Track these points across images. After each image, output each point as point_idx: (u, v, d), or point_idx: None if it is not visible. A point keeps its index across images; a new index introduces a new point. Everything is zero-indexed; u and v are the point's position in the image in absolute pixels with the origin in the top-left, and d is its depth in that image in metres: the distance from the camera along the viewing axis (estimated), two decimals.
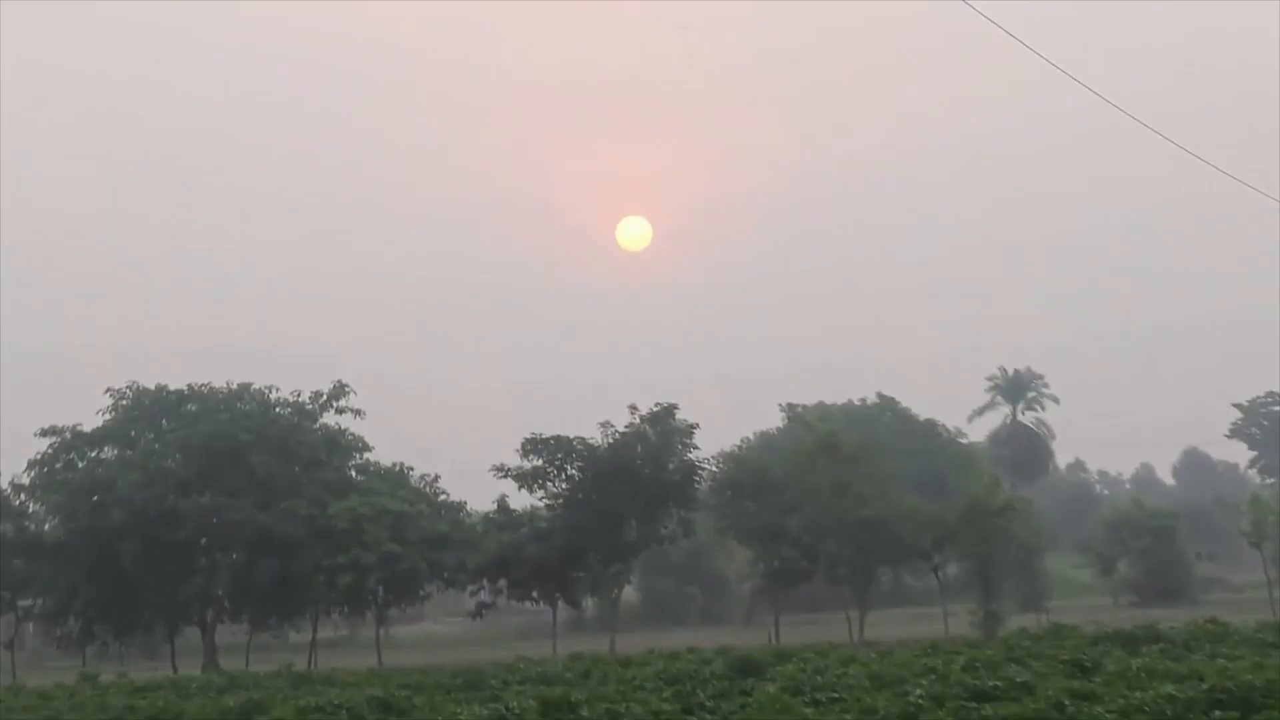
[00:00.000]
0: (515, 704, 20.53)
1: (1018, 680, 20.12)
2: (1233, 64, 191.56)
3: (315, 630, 55.63)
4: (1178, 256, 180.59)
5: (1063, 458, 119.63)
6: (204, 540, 55.06)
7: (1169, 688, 17.10)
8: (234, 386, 58.37)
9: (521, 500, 55.74)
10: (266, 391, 58.43)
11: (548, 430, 54.30)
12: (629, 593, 65.97)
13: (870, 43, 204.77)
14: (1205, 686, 17.07)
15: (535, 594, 54.97)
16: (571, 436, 54.13)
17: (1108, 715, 15.35)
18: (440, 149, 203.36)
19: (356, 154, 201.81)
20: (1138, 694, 16.98)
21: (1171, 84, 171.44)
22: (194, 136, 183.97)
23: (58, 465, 55.49)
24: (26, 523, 55.89)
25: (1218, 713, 15.17)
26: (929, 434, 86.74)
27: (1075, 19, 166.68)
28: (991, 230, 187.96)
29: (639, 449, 53.80)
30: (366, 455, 59.40)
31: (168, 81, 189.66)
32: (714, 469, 56.42)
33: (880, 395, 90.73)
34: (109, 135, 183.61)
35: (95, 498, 53.99)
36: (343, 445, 58.62)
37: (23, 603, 55.77)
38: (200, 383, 58.37)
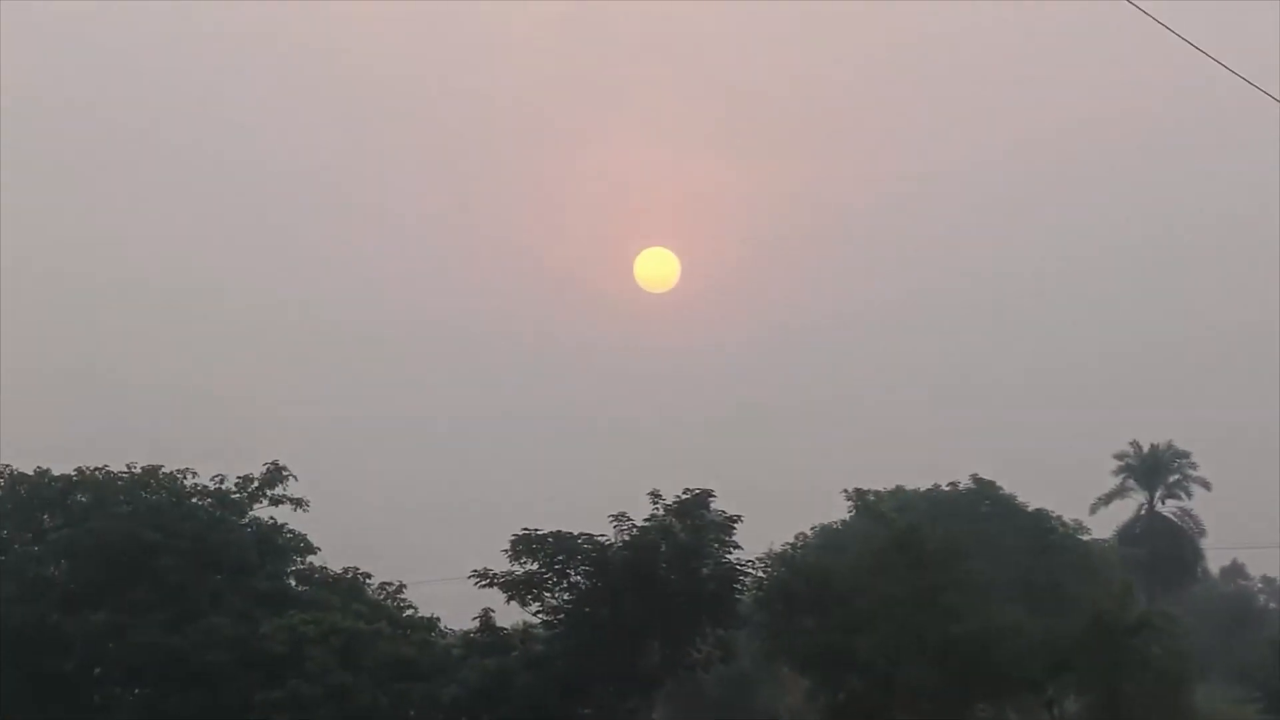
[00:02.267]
0: None
1: None
2: None
3: None
4: None
5: (1215, 559, 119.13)
6: (99, 670, 54.63)
7: None
8: (138, 471, 58.21)
9: (511, 615, 55.79)
10: (180, 477, 58.33)
11: (545, 526, 54.20)
12: None
13: (966, 49, 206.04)
14: None
15: None
16: (576, 533, 53.91)
17: None
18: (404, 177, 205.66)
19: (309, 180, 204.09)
20: None
21: None
22: None
23: None
24: None
25: None
26: (1039, 528, 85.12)
27: None
28: (1123, 258, 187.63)
29: (663, 549, 53.47)
30: (310, 558, 59.63)
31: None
32: (760, 574, 56.19)
33: (976, 479, 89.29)
34: None
35: None
36: (279, 545, 58.70)
37: None
38: (94, 466, 58.30)
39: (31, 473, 57.88)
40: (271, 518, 58.95)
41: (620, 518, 54.10)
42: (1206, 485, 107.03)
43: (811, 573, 55.84)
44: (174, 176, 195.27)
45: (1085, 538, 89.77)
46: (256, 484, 58.34)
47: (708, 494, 54.44)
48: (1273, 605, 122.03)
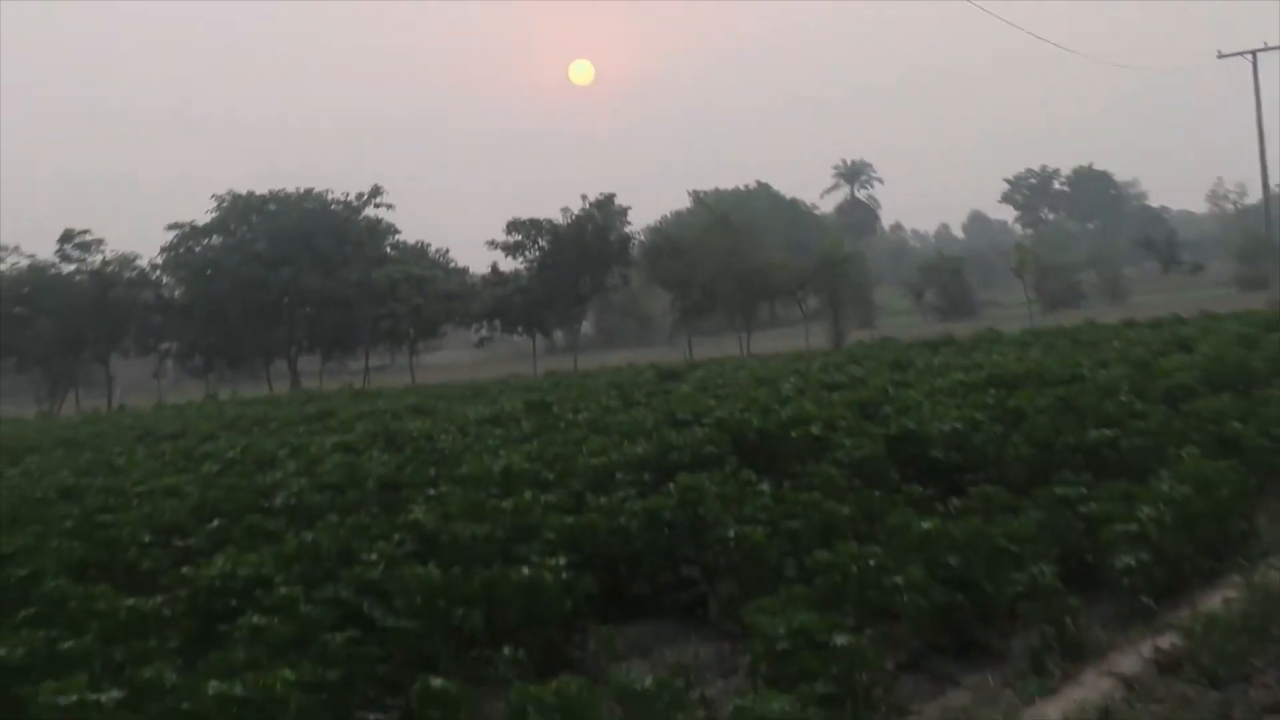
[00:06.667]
0: (507, 405, 20.31)
1: (856, 375, 20.51)
2: None
3: (367, 360, 57.08)
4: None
5: (887, 221, 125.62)
6: (286, 299, 55.95)
7: (959, 375, 17.51)
8: (301, 191, 59.08)
9: (508, 265, 56.89)
10: (324, 194, 59.24)
11: (525, 215, 55.30)
12: (586, 327, 66.96)
13: None
14: (984, 373, 17.46)
15: (521, 329, 56.43)
16: (542, 219, 54.90)
17: (917, 395, 15.10)
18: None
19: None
20: (938, 380, 17.28)
21: None
22: None
23: (181, 250, 56.32)
24: (162, 291, 56.70)
25: (991, 390, 14.97)
26: (794, 210, 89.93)
27: None
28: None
29: (589, 227, 54.39)
30: (397, 237, 60.69)
31: None
32: (643, 239, 58.34)
33: (759, 182, 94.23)
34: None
35: (208, 272, 55.30)
36: (380, 231, 59.43)
37: (163, 346, 57.22)
38: (277, 189, 59.16)
39: (244, 193, 58.32)
40: (376, 215, 59.82)
41: (565, 210, 55.43)
42: (881, 181, 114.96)
43: (670, 238, 57.88)
44: None
45: (818, 213, 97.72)
46: (366, 197, 58.99)
47: (612, 196, 55.57)
48: (917, 245, 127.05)
